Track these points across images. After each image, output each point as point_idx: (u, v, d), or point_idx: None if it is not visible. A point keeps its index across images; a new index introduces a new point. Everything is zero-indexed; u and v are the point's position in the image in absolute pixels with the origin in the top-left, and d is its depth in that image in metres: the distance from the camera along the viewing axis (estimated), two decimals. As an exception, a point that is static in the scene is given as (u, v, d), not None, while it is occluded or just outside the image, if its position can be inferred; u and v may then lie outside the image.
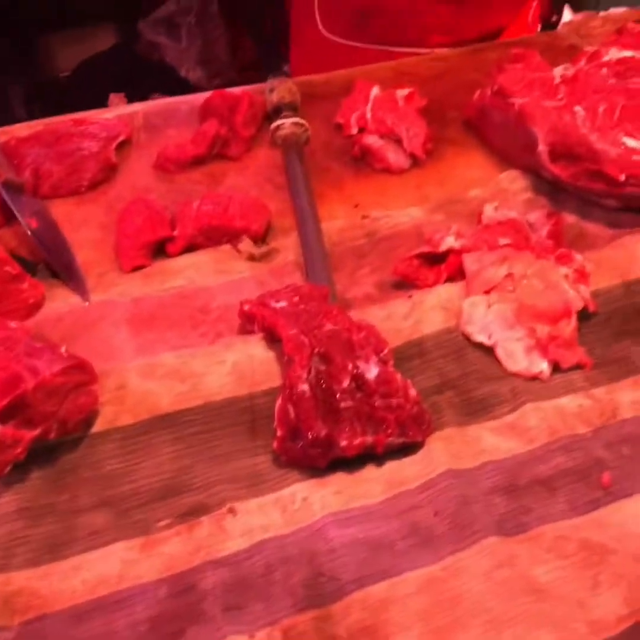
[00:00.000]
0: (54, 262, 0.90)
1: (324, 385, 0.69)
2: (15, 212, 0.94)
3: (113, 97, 2.52)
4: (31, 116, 1.29)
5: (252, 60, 2.72)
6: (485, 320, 0.76)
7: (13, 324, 0.77)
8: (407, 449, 0.70)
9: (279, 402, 0.69)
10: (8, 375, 0.64)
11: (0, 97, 2.59)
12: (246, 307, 0.78)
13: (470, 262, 0.81)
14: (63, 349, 0.68)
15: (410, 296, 0.80)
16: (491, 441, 0.71)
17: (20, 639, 0.59)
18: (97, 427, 0.70)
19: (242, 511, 0.67)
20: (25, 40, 2.72)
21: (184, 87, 2.61)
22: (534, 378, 0.75)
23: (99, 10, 2.69)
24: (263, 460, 0.70)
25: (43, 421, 0.65)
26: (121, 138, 1.09)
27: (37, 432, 0.65)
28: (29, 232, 0.92)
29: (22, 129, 1.12)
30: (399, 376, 0.71)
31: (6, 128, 1.13)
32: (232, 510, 0.67)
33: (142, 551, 0.64)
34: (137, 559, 0.64)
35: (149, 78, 2.65)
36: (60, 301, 0.87)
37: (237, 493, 0.68)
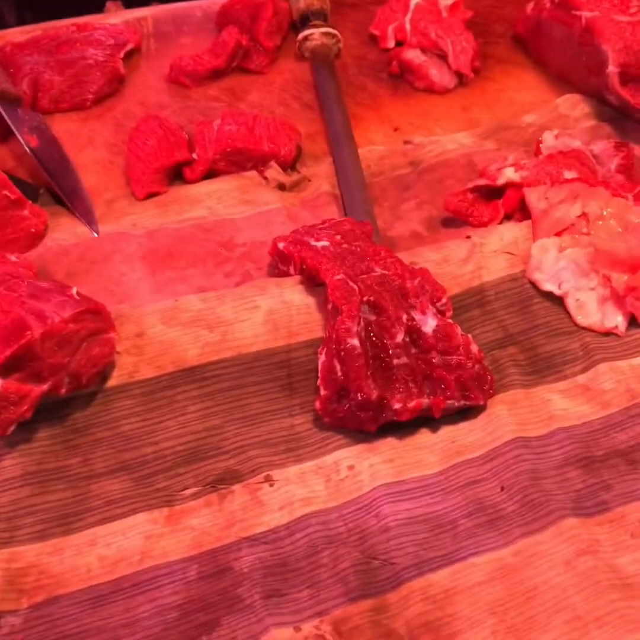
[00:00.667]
0: (57, 186, 0.79)
1: (375, 340, 0.60)
2: (13, 128, 0.83)
3: (110, 5, 2.36)
4: (23, 24, 1.16)
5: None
6: (556, 266, 0.67)
7: (13, 257, 0.67)
8: (466, 413, 0.62)
9: (322, 357, 0.60)
10: (11, 322, 0.55)
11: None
12: (281, 245, 0.68)
13: (535, 198, 0.71)
14: (74, 291, 0.59)
15: (468, 237, 0.70)
16: (561, 405, 0.63)
17: (29, 625, 0.52)
18: (113, 381, 0.60)
19: (280, 480, 0.59)
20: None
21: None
22: (609, 333, 0.67)
23: None
24: (302, 422, 0.62)
25: (52, 374, 0.56)
26: (129, 46, 0.97)
27: (45, 387, 0.56)
28: (29, 151, 0.81)
29: (17, 34, 1.00)
30: (459, 330, 0.62)
31: (-1, 32, 1.01)
32: (268, 479, 0.59)
33: (167, 524, 0.56)
34: (161, 533, 0.56)
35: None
36: (65, 231, 0.76)
37: (273, 459, 0.60)
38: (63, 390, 0.57)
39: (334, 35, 0.98)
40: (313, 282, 0.65)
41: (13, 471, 0.57)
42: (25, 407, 0.55)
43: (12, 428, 0.56)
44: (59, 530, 0.56)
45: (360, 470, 0.59)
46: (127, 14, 1.06)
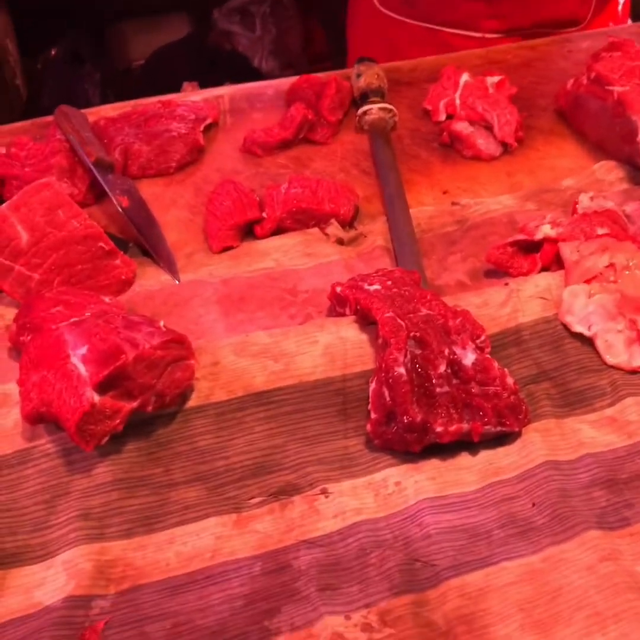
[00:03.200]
0: (144, 241, 0.90)
1: (420, 370, 0.68)
2: (107, 191, 0.95)
3: (186, 86, 2.54)
4: (106, 102, 1.29)
5: (324, 52, 2.72)
6: (586, 310, 0.74)
7: (107, 299, 0.78)
8: (502, 439, 0.69)
9: (373, 384, 0.69)
10: (109, 347, 0.65)
11: (76, 86, 2.63)
12: (338, 289, 0.77)
13: (568, 251, 0.79)
14: (162, 323, 0.69)
15: (506, 284, 0.78)
16: (590, 434, 0.69)
17: (116, 608, 0.60)
18: (192, 402, 0.70)
19: (335, 493, 0.66)
20: (100, 29, 2.76)
21: (256, 77, 2.61)
22: (634, 371, 0.73)
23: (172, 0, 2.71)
24: (355, 443, 0.70)
25: (142, 393, 0.65)
26: (208, 121, 1.09)
27: (135, 404, 0.65)
28: (121, 210, 0.93)
29: (109, 110, 1.13)
30: (496, 364, 0.70)
31: (94, 108, 1.14)
32: (324, 492, 0.66)
33: (235, 527, 0.64)
34: (230, 534, 0.64)
35: (221, 67, 2.66)
36: (150, 279, 0.87)
37: (329, 474, 0.67)
38: (150, 408, 0.67)
39: (390, 110, 1.09)
40: (366, 321, 0.74)
41: (105, 477, 0.66)
42: (117, 421, 0.65)
43: (106, 439, 0.65)
44: (142, 530, 0.64)
45: (406, 486, 0.66)
46: (206, 92, 1.19)
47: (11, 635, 0.58)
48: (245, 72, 2.60)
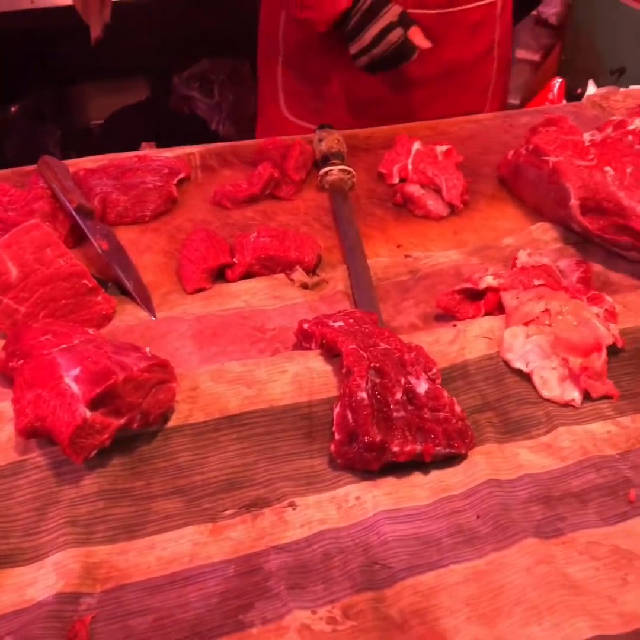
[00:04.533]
0: (123, 281, 0.97)
1: (379, 396, 0.76)
2: (88, 234, 1.02)
3: (145, 145, 2.63)
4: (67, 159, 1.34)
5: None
6: (524, 349, 0.84)
7: (91, 331, 0.85)
8: (451, 460, 0.77)
9: (337, 408, 0.76)
10: (100, 368, 0.71)
11: (37, 143, 2.70)
12: (305, 325, 0.85)
13: (509, 298, 0.89)
14: (147, 350, 0.76)
15: (454, 325, 0.88)
16: (528, 457, 0.78)
17: (102, 605, 0.65)
18: (172, 422, 0.76)
19: (301, 505, 0.73)
20: (61, 88, 2.85)
21: (214, 140, 2.73)
22: (567, 404, 0.83)
23: (134, 63, 2.82)
24: (320, 462, 0.77)
25: (128, 412, 0.72)
26: (181, 175, 1.18)
27: (122, 421, 0.72)
28: (101, 252, 1.00)
29: (88, 162, 1.21)
30: (445, 393, 0.79)
31: (73, 160, 1.22)
32: (292, 505, 0.73)
33: (211, 535, 0.71)
34: (206, 541, 0.70)
35: (180, 129, 2.78)
36: (129, 315, 0.94)
37: (296, 489, 0.75)
38: (135, 425, 0.73)
39: (349, 172, 1.19)
40: (330, 354, 0.82)
41: (91, 488, 0.72)
42: (106, 436, 0.71)
43: (94, 453, 0.71)
44: (125, 536, 0.70)
45: (365, 500, 0.74)
46: (178, 150, 1.28)
47: (6, 627, 0.63)
48: (204, 134, 2.71)
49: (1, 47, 2.39)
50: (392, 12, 1.26)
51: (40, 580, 0.66)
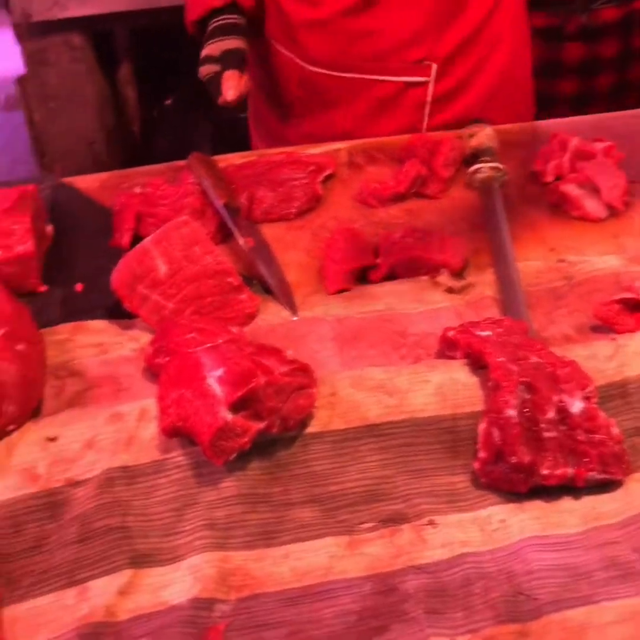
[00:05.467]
0: (267, 279, 0.97)
1: (528, 414, 0.72)
2: (234, 232, 1.02)
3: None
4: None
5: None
6: (692, 368, 0.77)
7: (235, 330, 0.85)
8: (605, 486, 0.72)
9: (483, 425, 0.73)
10: (243, 370, 0.71)
11: (188, 136, 2.78)
12: (451, 333, 0.82)
13: (675, 311, 0.82)
14: (289, 353, 0.75)
15: (613, 338, 0.81)
16: (693, 488, 0.71)
17: (236, 613, 0.65)
18: (311, 428, 0.75)
19: (441, 524, 0.70)
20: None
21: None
22: None
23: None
24: (462, 480, 0.74)
25: (268, 416, 0.71)
26: (327, 172, 1.17)
27: (262, 425, 0.71)
28: (247, 250, 1.00)
29: (236, 158, 1.22)
30: (602, 413, 0.73)
31: (222, 156, 1.23)
32: (431, 523, 0.70)
33: (347, 548, 0.69)
34: (343, 555, 0.68)
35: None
36: (272, 314, 0.94)
37: (436, 507, 0.71)
38: (274, 430, 0.72)
39: (500, 169, 1.14)
40: (476, 365, 0.78)
41: (230, 491, 0.72)
42: (246, 439, 0.71)
43: (234, 456, 0.71)
44: (262, 543, 0.69)
45: (511, 523, 0.70)
46: (325, 146, 1.26)
47: (143, 628, 0.63)
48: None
49: (159, 42, 2.47)
50: (217, 46, 1.15)
51: (176, 583, 0.66)
